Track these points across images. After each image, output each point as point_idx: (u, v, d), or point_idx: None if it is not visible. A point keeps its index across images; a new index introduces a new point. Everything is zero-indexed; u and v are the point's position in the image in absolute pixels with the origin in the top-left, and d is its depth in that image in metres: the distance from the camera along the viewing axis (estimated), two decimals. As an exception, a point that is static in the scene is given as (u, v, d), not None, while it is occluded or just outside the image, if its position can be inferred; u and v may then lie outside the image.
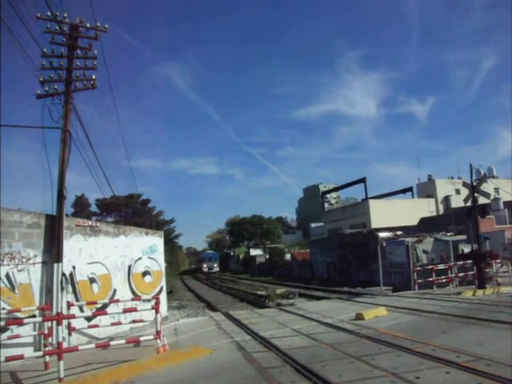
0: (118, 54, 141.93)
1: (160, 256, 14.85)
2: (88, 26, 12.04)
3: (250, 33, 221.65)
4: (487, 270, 17.85)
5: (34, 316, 9.58)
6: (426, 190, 53.59)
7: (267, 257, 59.78)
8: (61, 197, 11.28)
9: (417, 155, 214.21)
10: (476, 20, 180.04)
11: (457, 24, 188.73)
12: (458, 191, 48.20)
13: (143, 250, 14.12)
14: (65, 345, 8.50)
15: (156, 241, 14.83)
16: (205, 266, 76.53)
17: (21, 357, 7.57)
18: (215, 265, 78.10)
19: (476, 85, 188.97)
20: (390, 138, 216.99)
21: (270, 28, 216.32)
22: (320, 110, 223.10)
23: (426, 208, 44.47)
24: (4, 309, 9.26)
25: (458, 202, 42.73)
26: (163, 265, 15.06)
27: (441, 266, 19.18)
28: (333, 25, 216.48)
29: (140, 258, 13.92)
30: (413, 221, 33.67)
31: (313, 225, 72.56)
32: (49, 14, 11.32)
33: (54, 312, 9.90)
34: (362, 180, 50.95)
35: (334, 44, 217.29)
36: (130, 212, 51.92)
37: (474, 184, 18.20)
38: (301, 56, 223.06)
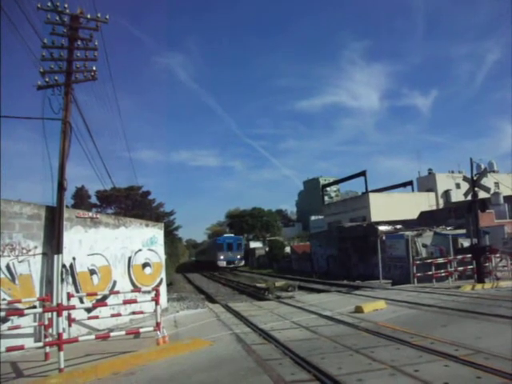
0: (118, 44, 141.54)
1: (160, 248, 14.87)
2: (89, 16, 11.98)
3: (253, 24, 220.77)
4: (486, 265, 17.86)
5: (34, 307, 9.62)
6: (426, 183, 53.56)
7: (267, 249, 59.77)
8: (61, 188, 11.27)
9: (418, 149, 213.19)
10: (480, 13, 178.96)
11: (461, 17, 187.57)
12: (458, 185, 48.20)
13: (143, 241, 14.14)
14: (65, 336, 8.53)
15: (156, 233, 14.85)
16: (221, 257, 51.45)
17: (21, 347, 7.60)
18: (238, 256, 53.04)
19: (479, 79, 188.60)
20: (392, 131, 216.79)
21: (273, 20, 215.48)
22: (322, 102, 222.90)
23: (425, 202, 44.46)
24: (4, 300, 9.30)
25: (458, 196, 42.76)
26: (163, 257, 15.09)
27: (440, 260, 19.19)
28: (336, 16, 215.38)
29: (140, 250, 13.94)
30: (413, 214, 33.68)
31: (312, 218, 72.80)
32: (49, 4, 11.27)
33: (54, 303, 9.93)
34: (363, 173, 50.81)
35: (337, 36, 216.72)
36: (130, 204, 51.90)
37: (475, 178, 18.16)
38: (303, 48, 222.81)
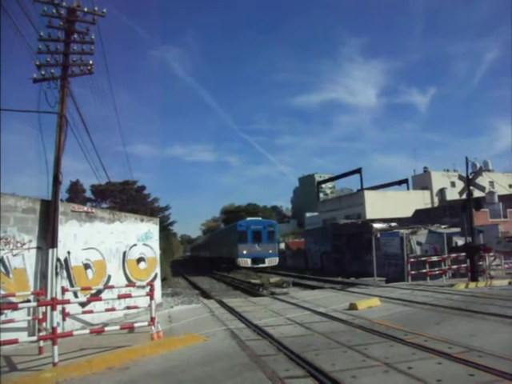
0: (115, 37, 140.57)
1: (155, 243, 14.86)
2: (86, 9, 11.89)
3: (250, 19, 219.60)
4: (480, 263, 18.00)
5: (28, 301, 9.58)
6: (422, 181, 53.76)
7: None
8: (56, 182, 11.22)
9: (414, 147, 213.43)
10: (479, 10, 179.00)
11: (460, 14, 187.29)
12: (453, 184, 48.39)
13: (138, 236, 14.13)
14: (59, 330, 8.51)
15: (151, 228, 14.84)
16: (244, 252, 34.68)
17: (15, 341, 7.56)
18: (270, 250, 36.09)
19: (477, 77, 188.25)
20: (389, 129, 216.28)
21: (270, 15, 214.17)
22: (319, 98, 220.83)
23: (420, 200, 44.66)
24: (-2, 293, 9.27)
25: (452, 194, 42.94)
26: (158, 252, 15.08)
27: (434, 258, 19.34)
28: (334, 12, 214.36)
29: (135, 245, 13.94)
30: (407, 212, 33.81)
31: (307, 214, 72.61)
32: (46, -4, 11.17)
33: (49, 297, 9.90)
34: (358, 170, 51.04)
35: (335, 32, 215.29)
36: (125, 198, 51.64)
37: (470, 177, 18.27)
38: (301, 44, 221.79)
